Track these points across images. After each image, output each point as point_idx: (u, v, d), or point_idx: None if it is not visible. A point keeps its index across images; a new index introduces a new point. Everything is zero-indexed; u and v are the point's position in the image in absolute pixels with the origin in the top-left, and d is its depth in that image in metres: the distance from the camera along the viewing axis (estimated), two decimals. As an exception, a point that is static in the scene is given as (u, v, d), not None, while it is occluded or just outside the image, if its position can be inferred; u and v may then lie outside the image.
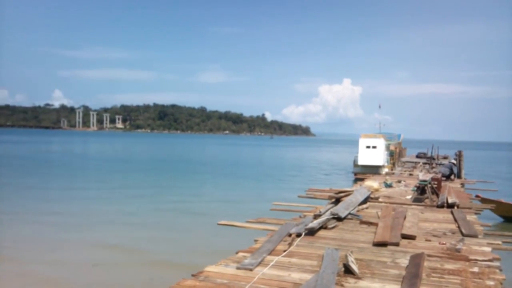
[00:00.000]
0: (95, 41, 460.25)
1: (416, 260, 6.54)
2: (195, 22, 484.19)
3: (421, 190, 14.16)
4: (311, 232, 8.79)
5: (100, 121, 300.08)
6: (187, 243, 12.33)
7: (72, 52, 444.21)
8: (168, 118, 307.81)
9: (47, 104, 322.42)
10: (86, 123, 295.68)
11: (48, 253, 10.97)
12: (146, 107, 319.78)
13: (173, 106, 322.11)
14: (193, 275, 6.17)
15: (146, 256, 11.01)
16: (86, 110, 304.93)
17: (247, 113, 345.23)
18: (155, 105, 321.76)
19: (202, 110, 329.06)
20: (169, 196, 21.37)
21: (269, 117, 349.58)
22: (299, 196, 15.85)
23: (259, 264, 6.61)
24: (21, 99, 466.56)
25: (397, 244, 7.91)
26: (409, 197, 14.57)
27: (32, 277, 9.22)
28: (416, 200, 13.72)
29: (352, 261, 6.30)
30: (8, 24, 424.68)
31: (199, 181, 27.92)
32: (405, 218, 10.16)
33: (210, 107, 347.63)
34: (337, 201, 12.13)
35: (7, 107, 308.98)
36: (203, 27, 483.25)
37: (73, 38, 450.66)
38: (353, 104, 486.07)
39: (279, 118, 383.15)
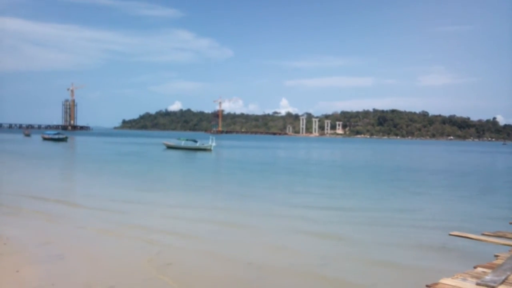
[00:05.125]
0: (317, 51, 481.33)
1: None
2: (415, 23, 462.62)
3: None
4: None
5: (321, 127, 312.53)
6: (419, 251, 11.84)
7: (297, 62, 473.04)
8: (388, 123, 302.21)
9: (275, 112, 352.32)
10: (308, 129, 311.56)
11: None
12: (365, 113, 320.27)
13: (392, 111, 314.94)
14: (427, 286, 5.99)
15: (370, 257, 11.03)
16: (309, 117, 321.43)
17: (474, 117, 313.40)
18: (374, 111, 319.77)
19: (424, 114, 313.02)
20: (394, 203, 20.96)
21: (502, 120, 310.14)
22: (546, 211, 13.83)
23: (503, 282, 6.04)
24: (253, 108, 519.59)
25: None
26: None
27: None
28: None
29: None
30: (242, 41, 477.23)
31: (424, 189, 26.68)
32: None
33: (433, 111, 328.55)
34: None
35: (242, 115, 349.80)
36: (425, 27, 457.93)
37: (297, 49, 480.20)
38: None
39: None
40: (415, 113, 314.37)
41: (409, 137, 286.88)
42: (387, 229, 14.42)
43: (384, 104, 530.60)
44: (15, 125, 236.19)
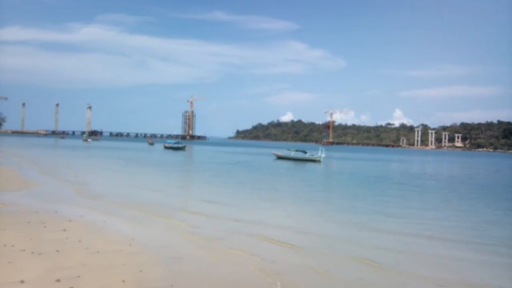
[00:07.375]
0: (434, 59, 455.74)
1: None
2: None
3: None
4: None
5: (438, 140, 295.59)
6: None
7: (411, 72, 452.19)
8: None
9: (388, 124, 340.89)
10: (424, 142, 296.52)
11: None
12: (488, 125, 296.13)
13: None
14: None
15: None
16: (425, 128, 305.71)
17: None
18: (499, 123, 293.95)
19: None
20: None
21: None
22: None
23: None
24: (365, 119, 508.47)
25: None
26: None
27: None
28: None
29: None
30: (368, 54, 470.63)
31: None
32: None
33: None
34: None
35: (353, 126, 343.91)
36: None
37: (412, 58, 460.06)
38: None
39: None
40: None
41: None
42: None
43: (510, 115, 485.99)
44: (141, 134, 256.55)
